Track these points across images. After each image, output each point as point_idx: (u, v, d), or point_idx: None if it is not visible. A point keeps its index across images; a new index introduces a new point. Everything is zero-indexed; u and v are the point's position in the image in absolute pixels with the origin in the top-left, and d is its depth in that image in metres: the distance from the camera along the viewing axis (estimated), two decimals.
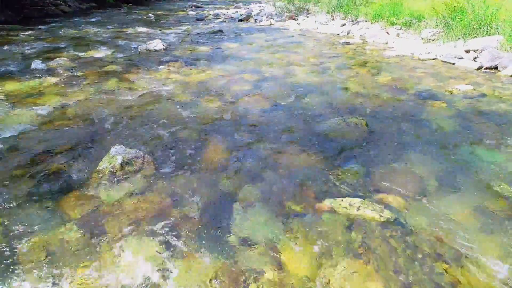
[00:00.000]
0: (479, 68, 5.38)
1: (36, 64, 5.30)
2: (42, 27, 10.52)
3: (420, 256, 1.81)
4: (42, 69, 5.19)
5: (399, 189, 2.38)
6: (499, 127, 3.36)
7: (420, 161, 2.75)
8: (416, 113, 3.72)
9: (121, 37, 8.66)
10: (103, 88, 4.42)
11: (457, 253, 1.83)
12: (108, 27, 10.79)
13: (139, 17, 14.31)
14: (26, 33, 9.02)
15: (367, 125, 3.34)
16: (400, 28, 8.40)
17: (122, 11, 17.04)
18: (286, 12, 14.54)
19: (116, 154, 2.43)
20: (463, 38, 6.53)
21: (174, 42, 8.06)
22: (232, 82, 4.80)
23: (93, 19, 13.18)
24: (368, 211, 2.15)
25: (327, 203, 2.24)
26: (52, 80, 4.71)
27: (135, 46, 7.28)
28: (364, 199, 2.25)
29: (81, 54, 6.50)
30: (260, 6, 19.15)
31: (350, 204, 2.22)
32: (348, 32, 9.17)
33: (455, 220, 2.08)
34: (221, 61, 6.08)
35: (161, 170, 2.53)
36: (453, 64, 5.70)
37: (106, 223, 1.98)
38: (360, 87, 4.60)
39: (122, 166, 2.38)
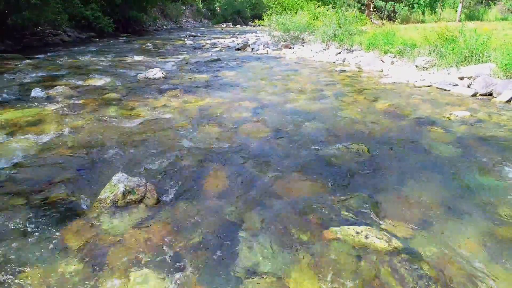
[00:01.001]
0: (474, 95, 5.48)
1: (36, 92, 5.31)
2: (41, 56, 10.68)
3: (432, 287, 1.76)
4: (42, 97, 5.20)
5: (405, 217, 2.35)
6: (500, 152, 3.38)
7: (424, 188, 2.73)
8: (416, 139, 3.74)
9: (120, 66, 8.78)
10: (104, 116, 4.42)
11: (467, 282, 1.78)
12: (107, 56, 10.96)
13: (138, 46, 14.59)
14: (26, 61, 9.13)
15: (368, 151, 3.34)
16: (394, 56, 8.62)
17: (121, 40, 17.39)
18: (282, 41, 14.90)
19: (118, 183, 2.39)
20: (456, 65, 6.70)
21: (173, 70, 8.17)
22: (232, 109, 4.83)
23: (92, 48, 13.41)
24: (376, 240, 2.10)
25: (333, 231, 2.19)
26: (52, 108, 4.70)
27: (134, 74, 7.36)
28: (371, 227, 2.20)
29: (81, 82, 6.55)
30: (256, 36, 19.67)
31: (357, 232, 2.18)
32: (344, 60, 9.39)
33: (464, 248, 2.04)
34: (220, 88, 6.15)
35: (163, 199, 2.48)
36: (448, 90, 5.81)
37: (108, 254, 1.91)
38: (359, 114, 4.64)
39: (124, 194, 2.33)
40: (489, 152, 3.37)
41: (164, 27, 30.33)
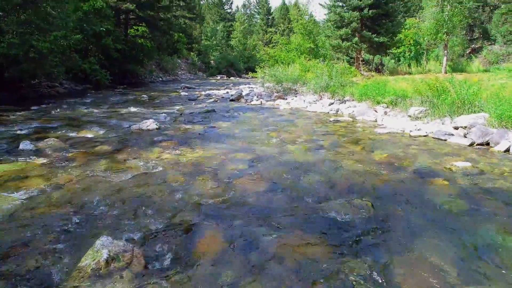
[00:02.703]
0: (471, 144, 5.44)
1: (24, 144, 5.15)
2: (36, 107, 10.68)
3: None
4: (30, 150, 5.02)
5: (420, 281, 2.12)
6: (508, 205, 3.22)
7: (435, 248, 2.53)
8: (420, 192, 3.58)
9: (114, 117, 8.74)
10: (93, 170, 4.23)
11: None
12: (102, 107, 11.00)
13: (133, 97, 14.78)
14: (19, 113, 9.08)
15: (372, 206, 3.16)
16: (387, 107, 8.74)
17: (117, 92, 17.67)
18: (275, 92, 15.23)
19: (102, 248, 2.15)
20: (450, 115, 6.76)
21: (167, 121, 8.13)
22: (226, 161, 4.69)
23: (88, 100, 13.52)
24: None
25: None
26: (40, 161, 4.51)
27: (128, 125, 7.28)
28: None
29: (73, 134, 6.43)
30: (249, 87, 20.16)
31: None
32: (337, 111, 9.49)
33: None
34: (214, 140, 6.05)
35: (152, 266, 2.23)
36: (445, 140, 5.78)
37: None
38: (358, 166, 4.52)
39: (107, 262, 2.08)
40: (498, 206, 3.21)
41: (160, 79, 31.15)
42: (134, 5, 23.34)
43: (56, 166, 4.37)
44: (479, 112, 6.45)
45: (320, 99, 11.68)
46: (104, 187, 3.63)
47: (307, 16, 25.65)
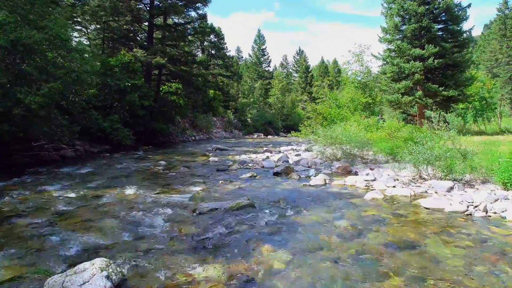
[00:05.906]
0: None
1: None
2: (1, 183, 7.28)
3: None
4: None
5: None
6: None
7: None
8: None
9: (79, 216, 4.93)
10: None
11: None
12: (87, 185, 7.31)
13: (147, 165, 11.18)
14: None
15: None
16: None
17: (135, 156, 14.35)
18: (335, 159, 11.04)
19: None
20: None
21: (156, 237, 4.07)
22: None
23: (84, 170, 10.06)
24: None
25: None
26: None
27: (73, 251, 3.32)
28: None
29: None
30: (294, 150, 16.19)
31: None
32: (485, 211, 4.95)
33: None
34: None
35: None
36: None
37: None
38: None
39: None
40: None
41: (192, 137, 28.19)
42: (165, 58, 20.97)
43: None
44: None
45: (419, 177, 7.29)
46: None
47: (363, 67, 22.11)
